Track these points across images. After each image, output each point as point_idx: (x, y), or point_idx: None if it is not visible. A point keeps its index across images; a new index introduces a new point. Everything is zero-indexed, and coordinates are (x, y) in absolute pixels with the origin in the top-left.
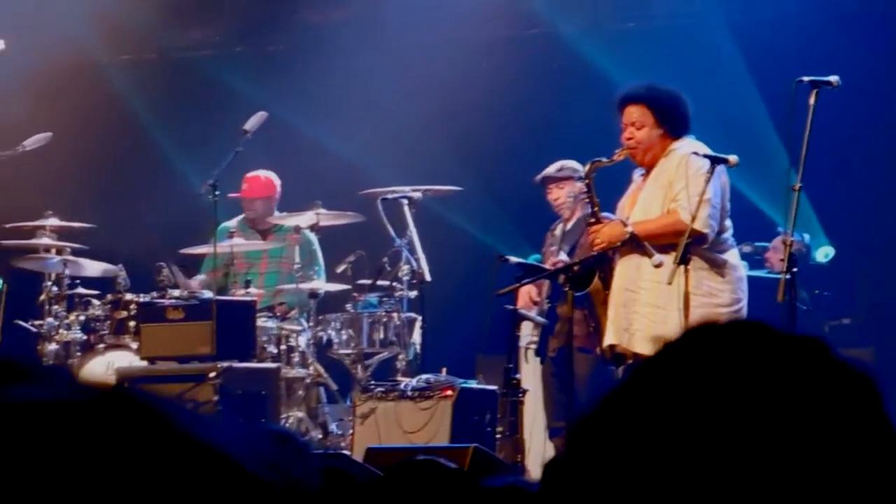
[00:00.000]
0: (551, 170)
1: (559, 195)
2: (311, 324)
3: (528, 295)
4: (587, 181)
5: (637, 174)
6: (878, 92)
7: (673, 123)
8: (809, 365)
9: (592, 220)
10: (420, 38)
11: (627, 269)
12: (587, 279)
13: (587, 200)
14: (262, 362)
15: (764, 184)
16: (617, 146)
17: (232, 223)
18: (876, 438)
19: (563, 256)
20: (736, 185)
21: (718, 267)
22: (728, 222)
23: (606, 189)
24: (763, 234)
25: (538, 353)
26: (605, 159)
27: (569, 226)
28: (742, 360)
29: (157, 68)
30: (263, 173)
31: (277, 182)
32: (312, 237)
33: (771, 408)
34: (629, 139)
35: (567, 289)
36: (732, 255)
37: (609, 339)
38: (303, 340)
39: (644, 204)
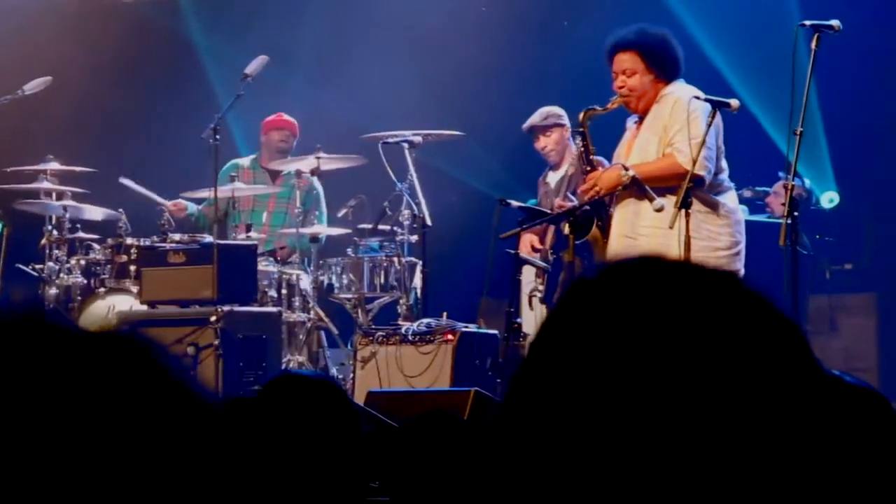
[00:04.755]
0: (537, 119)
1: (546, 143)
2: (312, 268)
3: (529, 243)
4: (582, 129)
5: (631, 122)
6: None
7: (664, 67)
8: (723, 294)
9: (588, 167)
10: None
11: (626, 216)
12: (586, 227)
13: (583, 148)
14: (264, 306)
15: (776, 128)
16: (611, 91)
17: (244, 161)
18: (789, 366)
19: (572, 199)
20: (739, 130)
21: (716, 210)
22: (724, 164)
23: (600, 138)
24: (764, 179)
25: (543, 299)
26: (599, 107)
27: (561, 172)
28: (659, 289)
29: (160, 10)
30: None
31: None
32: (317, 183)
33: (686, 332)
34: (621, 87)
35: (569, 234)
36: (729, 198)
37: None
38: (304, 284)
39: (639, 150)
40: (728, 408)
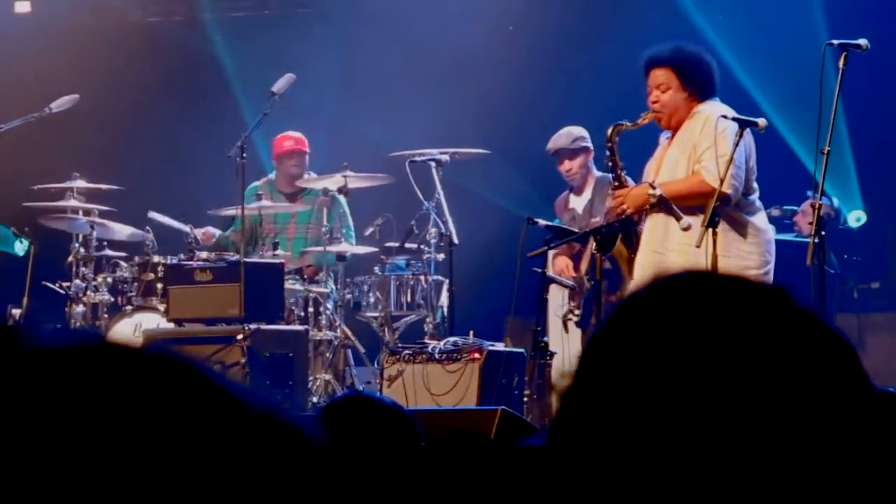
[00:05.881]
0: (564, 141)
1: (572, 166)
2: (338, 286)
3: (566, 269)
4: (610, 144)
5: (663, 138)
6: None
7: (698, 86)
8: (772, 311)
9: (616, 184)
10: (447, 1)
11: (656, 230)
12: (610, 242)
13: (610, 164)
14: (290, 324)
15: (804, 147)
16: (641, 110)
17: (260, 184)
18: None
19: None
20: (767, 149)
21: (747, 229)
22: (755, 185)
23: (633, 153)
24: (792, 198)
25: (580, 323)
26: (628, 123)
27: (584, 196)
28: (708, 304)
29: (186, 30)
30: (298, 133)
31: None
32: (343, 200)
33: (738, 343)
34: (654, 102)
35: (596, 252)
36: (760, 219)
37: None
38: (330, 303)
39: (669, 166)
40: (781, 422)
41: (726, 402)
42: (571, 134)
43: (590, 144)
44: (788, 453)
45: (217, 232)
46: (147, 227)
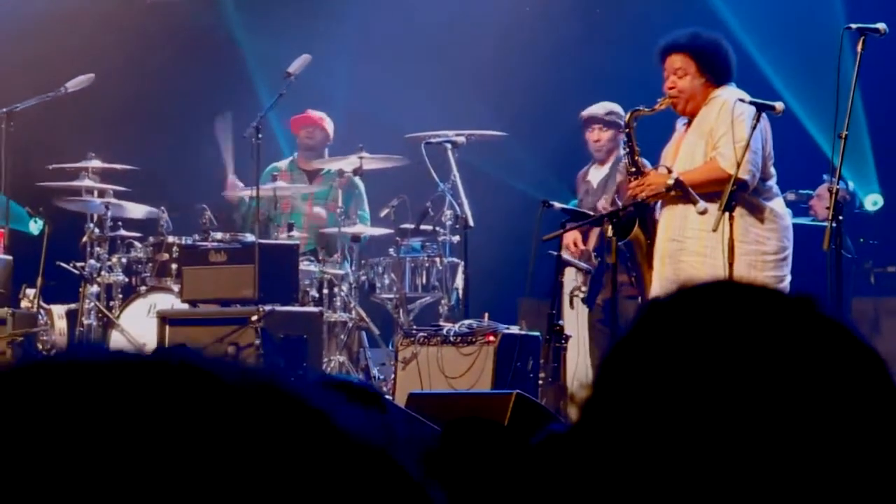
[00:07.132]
0: (600, 111)
1: (601, 137)
2: (353, 268)
3: (572, 241)
4: (628, 130)
5: (680, 123)
6: None
7: (715, 72)
8: (800, 322)
9: (633, 169)
10: None
11: (673, 220)
12: (628, 227)
13: (627, 150)
14: (305, 306)
15: (820, 131)
16: (660, 94)
17: (282, 164)
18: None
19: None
20: (784, 133)
21: (765, 215)
22: (772, 170)
23: (649, 138)
24: (808, 182)
25: (585, 301)
26: (645, 108)
27: (604, 170)
28: (734, 314)
29: (201, 9)
30: (320, 113)
31: (331, 126)
32: (359, 182)
33: (762, 354)
34: (671, 88)
35: (611, 236)
36: (778, 204)
37: (655, 291)
38: (345, 285)
39: (686, 153)
40: (810, 436)
41: (753, 416)
42: (607, 107)
43: (621, 122)
44: (817, 467)
45: (240, 185)
46: (162, 208)
